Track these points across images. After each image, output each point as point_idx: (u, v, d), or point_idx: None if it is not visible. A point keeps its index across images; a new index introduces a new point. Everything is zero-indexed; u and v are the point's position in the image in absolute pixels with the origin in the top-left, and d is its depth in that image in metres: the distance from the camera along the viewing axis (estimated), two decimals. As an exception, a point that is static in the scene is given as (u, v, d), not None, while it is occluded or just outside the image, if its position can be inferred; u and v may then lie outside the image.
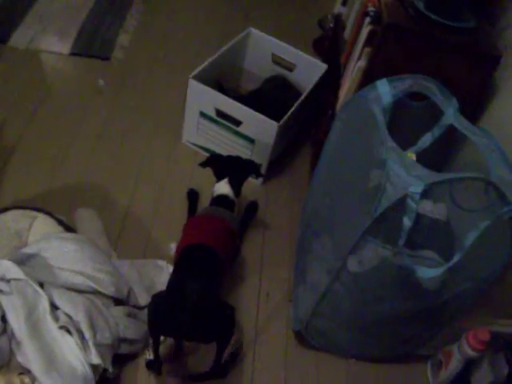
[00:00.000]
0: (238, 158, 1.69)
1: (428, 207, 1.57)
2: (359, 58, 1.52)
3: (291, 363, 1.54)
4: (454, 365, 1.46)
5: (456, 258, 1.21)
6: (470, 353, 1.40)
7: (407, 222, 1.15)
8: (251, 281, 1.72)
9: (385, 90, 1.36)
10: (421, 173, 1.15)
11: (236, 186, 1.62)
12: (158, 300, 1.32)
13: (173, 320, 1.27)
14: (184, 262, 1.40)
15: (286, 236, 1.86)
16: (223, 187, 1.61)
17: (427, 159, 1.57)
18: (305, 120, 2.18)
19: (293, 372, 1.53)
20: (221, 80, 2.10)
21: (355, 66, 1.53)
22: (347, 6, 2.06)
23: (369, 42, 1.48)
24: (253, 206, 1.92)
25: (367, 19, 1.53)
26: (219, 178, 1.65)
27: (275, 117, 1.83)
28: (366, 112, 1.32)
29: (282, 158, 2.11)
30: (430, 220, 1.52)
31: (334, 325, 1.47)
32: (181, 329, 1.27)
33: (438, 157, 1.61)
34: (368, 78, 1.44)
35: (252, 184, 2.02)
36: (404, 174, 1.15)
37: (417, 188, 1.11)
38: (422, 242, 1.51)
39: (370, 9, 1.53)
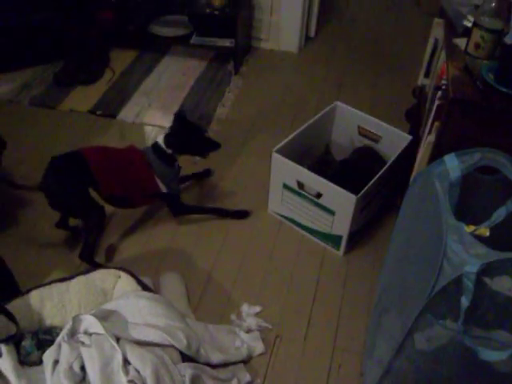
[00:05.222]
0: (200, 131, 2.03)
1: (507, 284, 1.48)
2: (429, 133, 1.51)
3: None
4: None
5: (522, 343, 1.14)
6: None
7: (465, 302, 1.12)
8: (324, 352, 1.71)
9: (453, 165, 1.34)
10: (480, 251, 1.12)
11: (173, 143, 1.94)
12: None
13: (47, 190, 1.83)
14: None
15: (362, 309, 1.83)
16: (159, 137, 1.97)
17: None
18: (390, 191, 2.17)
19: None
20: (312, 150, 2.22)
21: (425, 140, 1.52)
22: (430, 77, 2.07)
23: (438, 116, 1.47)
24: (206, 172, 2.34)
25: (439, 93, 1.53)
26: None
27: (362, 186, 1.87)
28: (431, 187, 1.31)
29: (364, 230, 2.10)
30: (507, 298, 1.43)
31: (399, 405, 1.40)
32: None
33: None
34: (437, 152, 1.43)
35: (332, 255, 2.03)
36: (462, 252, 1.12)
37: (472, 267, 1.08)
38: (498, 321, 1.42)
39: (443, 82, 1.53)
